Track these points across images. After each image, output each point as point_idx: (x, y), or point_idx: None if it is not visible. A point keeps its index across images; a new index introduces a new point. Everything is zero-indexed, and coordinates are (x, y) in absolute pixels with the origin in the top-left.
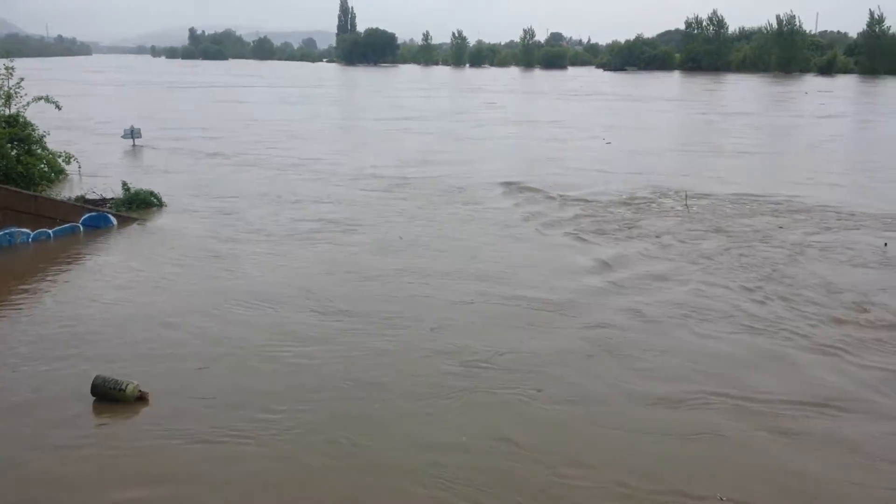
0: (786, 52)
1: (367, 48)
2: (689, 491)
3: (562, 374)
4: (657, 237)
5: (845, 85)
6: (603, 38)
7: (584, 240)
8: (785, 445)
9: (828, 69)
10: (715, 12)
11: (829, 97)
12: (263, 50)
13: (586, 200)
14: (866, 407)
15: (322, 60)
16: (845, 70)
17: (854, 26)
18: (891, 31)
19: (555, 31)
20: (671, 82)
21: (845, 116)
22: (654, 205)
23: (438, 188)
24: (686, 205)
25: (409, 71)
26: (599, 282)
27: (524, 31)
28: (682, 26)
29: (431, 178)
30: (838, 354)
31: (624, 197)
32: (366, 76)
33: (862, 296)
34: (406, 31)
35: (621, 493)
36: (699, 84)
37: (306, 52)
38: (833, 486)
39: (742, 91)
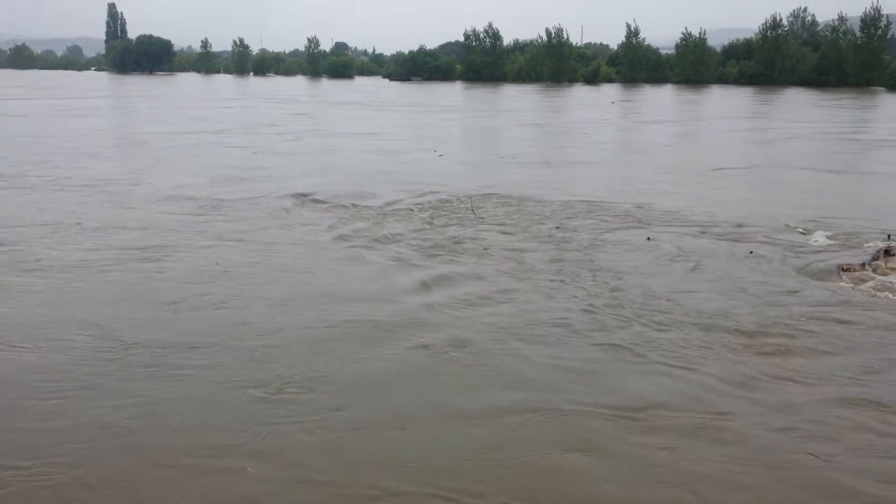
0: (556, 63)
1: (140, 56)
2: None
3: (380, 396)
4: (485, 249)
5: (637, 95)
6: (387, 49)
7: (415, 258)
8: (634, 455)
9: (593, 78)
10: (490, 25)
11: (631, 105)
12: (22, 58)
13: (423, 216)
14: (696, 411)
15: (90, 69)
16: (609, 79)
17: (614, 38)
18: (646, 43)
19: (339, 40)
20: (465, 92)
21: (659, 122)
22: (486, 218)
23: (261, 208)
24: (473, 211)
25: (191, 80)
26: (426, 300)
27: (309, 40)
28: (462, 38)
29: (251, 197)
30: (676, 362)
31: (459, 212)
32: (146, 85)
33: (666, 298)
34: (183, 39)
35: None
36: (495, 94)
37: (72, 61)
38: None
39: (547, 101)
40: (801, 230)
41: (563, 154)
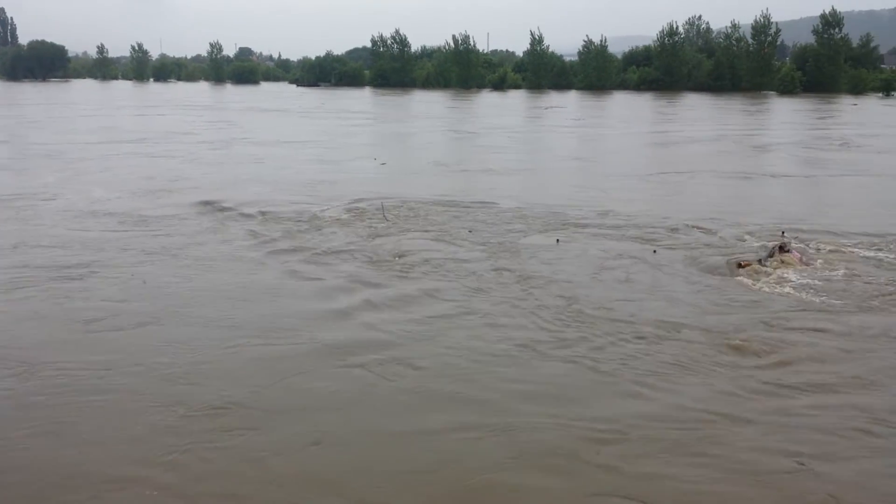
0: (464, 70)
1: (32, 62)
2: None
3: (303, 415)
4: (426, 261)
5: (562, 101)
6: (293, 55)
7: (353, 273)
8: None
9: (500, 85)
10: (398, 31)
11: (566, 111)
12: None
13: (359, 228)
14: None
15: None
16: (515, 86)
17: (520, 46)
18: (550, 51)
19: (243, 45)
20: (381, 99)
21: (588, 128)
22: (432, 230)
23: (188, 222)
24: (384, 215)
25: (89, 86)
26: (359, 316)
27: (211, 45)
28: (369, 44)
29: (178, 211)
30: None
31: (401, 222)
32: (42, 93)
33: (603, 303)
34: (78, 44)
35: None
36: (411, 100)
37: None
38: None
39: (465, 107)
40: (700, 228)
41: (505, 161)
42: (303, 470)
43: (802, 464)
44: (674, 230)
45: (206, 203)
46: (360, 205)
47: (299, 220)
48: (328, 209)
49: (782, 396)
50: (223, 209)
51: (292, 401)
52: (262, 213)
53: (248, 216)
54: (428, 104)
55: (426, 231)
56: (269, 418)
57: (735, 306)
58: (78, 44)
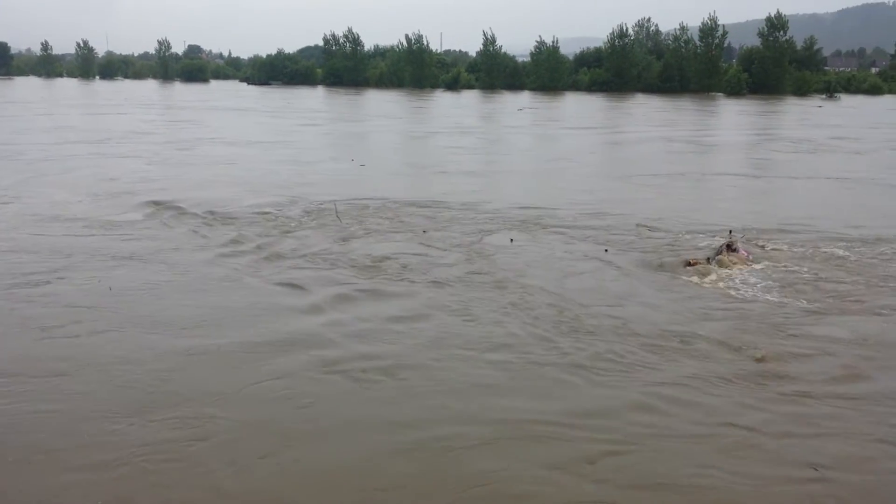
0: (417, 70)
1: None
2: None
3: (268, 428)
4: (403, 267)
5: (519, 101)
6: (243, 52)
7: (325, 278)
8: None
9: (454, 85)
10: (350, 30)
11: (537, 112)
12: None
13: (348, 232)
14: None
15: None
16: (469, 86)
17: (473, 46)
18: (503, 51)
19: (192, 43)
20: (340, 98)
21: (566, 130)
22: (404, 230)
23: (159, 226)
24: (338, 216)
25: (35, 84)
26: (328, 320)
27: (159, 42)
28: (321, 43)
29: (146, 215)
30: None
31: (383, 227)
32: None
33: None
34: (21, 41)
35: None
36: (370, 100)
37: None
38: None
39: (428, 107)
40: (655, 228)
41: (486, 163)
42: (259, 484)
43: (816, 470)
44: (630, 230)
45: (176, 206)
46: (339, 207)
47: (271, 224)
48: (302, 212)
49: (788, 402)
50: (193, 213)
51: (254, 411)
52: (234, 217)
53: (220, 220)
54: (388, 104)
55: (396, 232)
56: (230, 429)
57: (684, 305)
58: (21, 40)
